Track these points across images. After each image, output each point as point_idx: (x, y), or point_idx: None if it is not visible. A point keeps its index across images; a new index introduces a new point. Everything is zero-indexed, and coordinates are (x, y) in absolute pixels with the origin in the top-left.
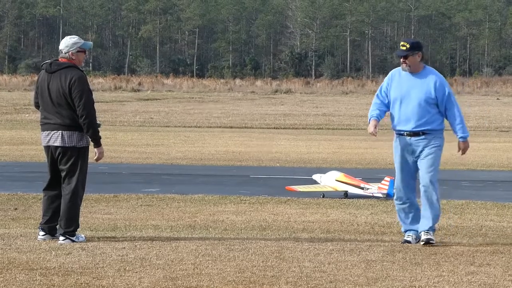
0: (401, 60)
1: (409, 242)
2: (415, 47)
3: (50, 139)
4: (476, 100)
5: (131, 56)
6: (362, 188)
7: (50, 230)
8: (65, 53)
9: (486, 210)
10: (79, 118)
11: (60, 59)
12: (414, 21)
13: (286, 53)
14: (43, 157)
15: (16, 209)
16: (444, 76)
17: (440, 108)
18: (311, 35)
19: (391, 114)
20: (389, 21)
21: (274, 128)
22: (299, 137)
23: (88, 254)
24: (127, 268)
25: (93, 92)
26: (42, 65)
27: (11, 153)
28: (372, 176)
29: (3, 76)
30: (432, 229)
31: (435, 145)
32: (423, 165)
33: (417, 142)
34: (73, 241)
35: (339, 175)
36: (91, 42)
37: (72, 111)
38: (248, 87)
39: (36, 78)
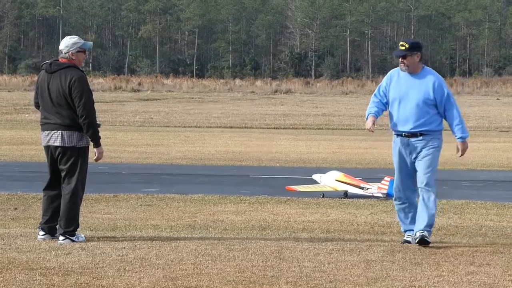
0: (400, 60)
1: (409, 242)
2: (414, 47)
3: (50, 139)
4: (476, 100)
5: (131, 56)
6: (362, 188)
7: (50, 230)
8: (65, 53)
9: (486, 210)
10: (79, 118)
11: (60, 59)
12: (414, 21)
13: (286, 53)
14: (43, 157)
15: (16, 209)
16: (444, 76)
17: (439, 109)
18: (311, 35)
19: (390, 114)
20: (389, 21)
21: (274, 128)
22: (299, 137)
23: (88, 254)
24: (127, 268)
25: (93, 92)
26: (42, 65)
27: (11, 153)
28: (372, 176)
29: (3, 76)
30: (427, 228)
31: (433, 146)
32: (420, 166)
33: (415, 143)
34: (73, 241)
35: (339, 175)
36: (91, 42)
37: (72, 111)
38: (248, 87)
39: (36, 78)
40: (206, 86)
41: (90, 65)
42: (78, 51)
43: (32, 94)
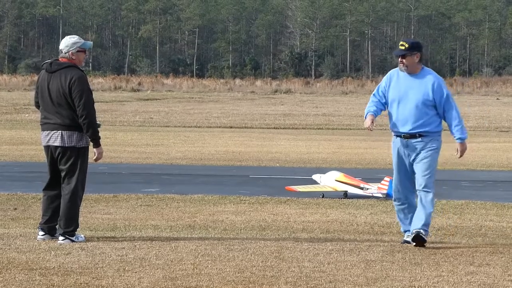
0: (399, 59)
1: (408, 242)
2: (414, 47)
3: (49, 139)
4: (476, 100)
5: (131, 56)
6: (362, 188)
7: (49, 230)
8: (65, 53)
9: (486, 210)
10: (79, 118)
11: (60, 59)
12: (414, 21)
13: (286, 53)
14: (43, 157)
15: (15, 209)
16: (444, 76)
17: (438, 110)
18: (311, 35)
19: (389, 115)
20: (389, 21)
21: (274, 128)
22: (299, 137)
23: (88, 254)
24: (126, 268)
25: (93, 92)
26: (42, 65)
27: (11, 153)
28: (372, 176)
29: (3, 76)
30: (424, 227)
31: (432, 148)
32: (419, 168)
33: (414, 145)
34: (72, 241)
35: (339, 175)
36: (91, 42)
37: (72, 111)
38: (248, 87)
39: (36, 78)
40: (206, 86)
41: (90, 65)
42: (78, 51)
43: (32, 94)
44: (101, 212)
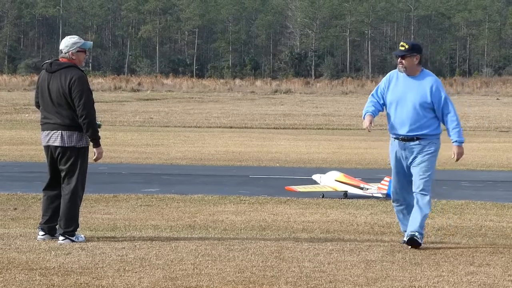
0: (398, 60)
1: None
2: (414, 48)
3: (49, 139)
4: (476, 100)
5: (130, 56)
6: (362, 188)
7: (49, 230)
8: (65, 53)
9: (486, 210)
10: (79, 118)
11: (60, 59)
12: (413, 21)
13: (285, 53)
14: (42, 157)
15: (15, 209)
16: (444, 77)
17: (436, 112)
18: (310, 35)
19: (387, 116)
20: (388, 21)
21: (274, 128)
22: (299, 137)
23: (88, 254)
24: (126, 268)
25: (93, 92)
26: (42, 65)
27: (11, 153)
28: (372, 176)
29: (3, 76)
30: (419, 230)
31: (429, 152)
32: (416, 172)
33: (411, 147)
34: (72, 241)
35: (339, 175)
36: (91, 42)
37: (72, 111)
38: (248, 87)
39: (35, 78)
40: (206, 86)
41: (90, 65)
42: (78, 51)
43: (32, 94)
44: (101, 212)
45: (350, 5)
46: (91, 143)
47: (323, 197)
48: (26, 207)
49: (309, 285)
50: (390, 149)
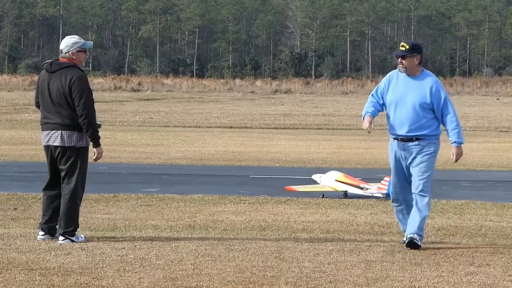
0: (399, 60)
1: None
2: (414, 49)
3: (49, 138)
4: (476, 100)
5: (131, 56)
6: (362, 188)
7: (49, 230)
8: (66, 53)
9: (486, 210)
10: (79, 118)
11: (60, 59)
12: (414, 21)
13: (286, 53)
14: (42, 157)
15: (15, 209)
16: (444, 77)
17: (436, 113)
18: (311, 35)
19: (387, 117)
20: (389, 21)
21: (274, 128)
22: (299, 137)
23: (88, 254)
24: (126, 268)
25: (93, 92)
26: (42, 65)
27: (10, 153)
28: (372, 176)
29: (3, 76)
30: (419, 232)
31: (428, 152)
32: (415, 172)
33: (410, 148)
34: (72, 241)
35: (339, 175)
36: (91, 42)
37: (72, 111)
38: (248, 87)
39: (36, 78)
40: (206, 86)
41: (90, 65)
42: (78, 51)
43: (32, 94)
44: (101, 212)
45: (350, 5)
46: (91, 143)
47: (323, 197)
48: (26, 207)
49: (309, 285)
50: (389, 149)
